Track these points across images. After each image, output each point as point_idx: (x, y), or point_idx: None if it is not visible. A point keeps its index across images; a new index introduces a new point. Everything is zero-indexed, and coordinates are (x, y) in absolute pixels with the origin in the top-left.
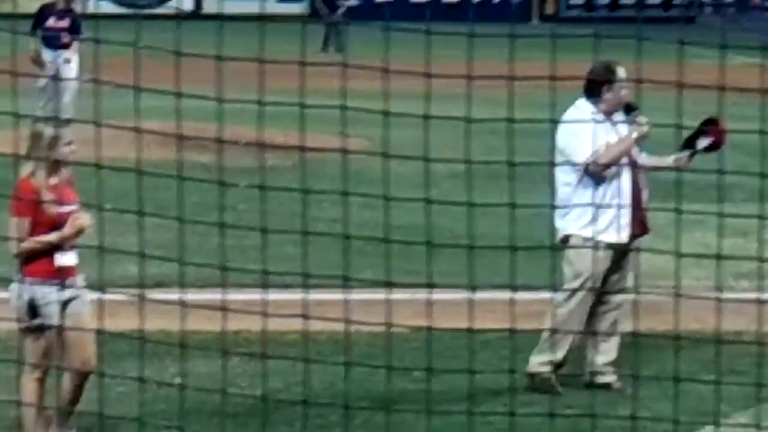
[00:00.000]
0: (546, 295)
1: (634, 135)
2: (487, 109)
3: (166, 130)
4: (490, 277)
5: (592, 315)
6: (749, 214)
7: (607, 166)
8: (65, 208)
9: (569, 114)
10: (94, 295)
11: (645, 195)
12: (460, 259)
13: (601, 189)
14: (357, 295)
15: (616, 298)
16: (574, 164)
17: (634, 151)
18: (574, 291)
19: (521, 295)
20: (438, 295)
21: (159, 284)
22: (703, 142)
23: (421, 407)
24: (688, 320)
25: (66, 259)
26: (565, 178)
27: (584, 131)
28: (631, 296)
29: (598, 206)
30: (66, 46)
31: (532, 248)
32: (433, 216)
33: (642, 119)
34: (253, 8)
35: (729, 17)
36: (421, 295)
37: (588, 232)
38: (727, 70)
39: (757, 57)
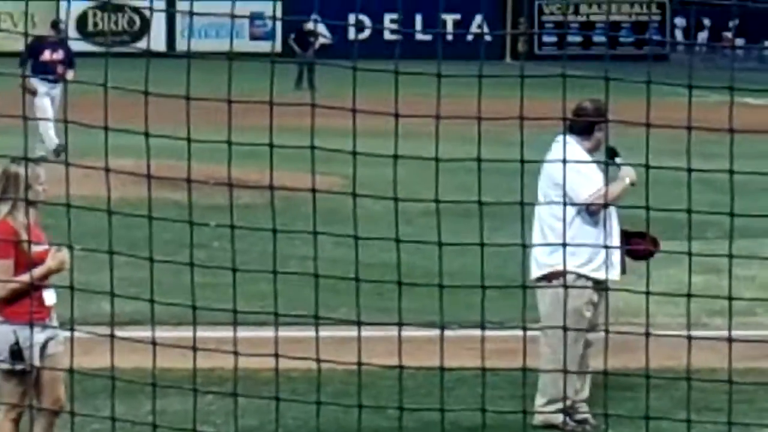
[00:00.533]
0: (519, 332)
1: (627, 180)
2: (462, 147)
3: (140, 167)
4: (465, 314)
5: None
6: (721, 252)
7: (606, 205)
8: (40, 248)
9: (564, 150)
10: (67, 333)
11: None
12: (435, 297)
13: (599, 227)
14: (330, 332)
15: (590, 336)
16: (572, 201)
17: None
18: (564, 329)
19: (496, 333)
20: (412, 332)
21: (133, 322)
22: (634, 249)
23: None
24: (661, 358)
25: (48, 297)
26: (557, 214)
27: (588, 168)
28: (601, 334)
29: (593, 244)
30: (60, 79)
31: (502, 287)
32: (407, 254)
33: (629, 169)
34: (226, 46)
35: (702, 55)
36: (395, 332)
37: (585, 270)
38: (702, 107)
39: (735, 95)
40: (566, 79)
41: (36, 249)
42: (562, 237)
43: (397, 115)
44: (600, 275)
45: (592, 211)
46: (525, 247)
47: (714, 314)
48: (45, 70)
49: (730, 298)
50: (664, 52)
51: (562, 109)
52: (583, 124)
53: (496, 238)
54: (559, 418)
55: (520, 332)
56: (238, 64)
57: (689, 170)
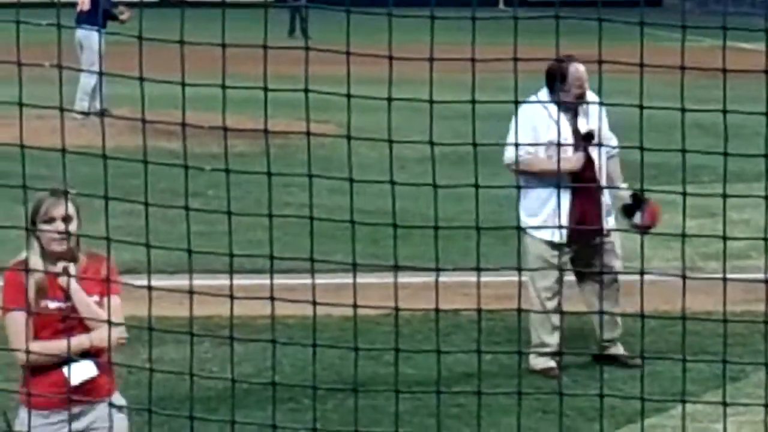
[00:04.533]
0: (515, 278)
1: (567, 166)
2: (457, 94)
3: (136, 117)
4: (461, 259)
5: (590, 293)
6: (716, 194)
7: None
8: (53, 305)
9: (525, 107)
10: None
11: (607, 200)
12: (431, 244)
13: (540, 188)
14: (326, 279)
15: (608, 277)
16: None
17: (602, 157)
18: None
19: (492, 278)
20: (408, 278)
21: (129, 270)
22: (637, 217)
23: (391, 389)
24: (657, 302)
25: (75, 373)
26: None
27: (523, 123)
28: (615, 277)
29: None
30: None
31: (493, 229)
32: (403, 200)
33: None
34: None
35: (696, 0)
36: (391, 278)
37: (532, 223)
38: (696, 52)
39: (729, 39)
40: (560, 23)
41: (49, 304)
42: (519, 194)
43: (390, 58)
44: (544, 235)
45: (512, 170)
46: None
47: (708, 258)
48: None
49: (725, 238)
50: None
51: (556, 53)
52: (547, 80)
53: (492, 184)
54: (539, 364)
55: (516, 277)
56: (232, 11)
57: (683, 110)
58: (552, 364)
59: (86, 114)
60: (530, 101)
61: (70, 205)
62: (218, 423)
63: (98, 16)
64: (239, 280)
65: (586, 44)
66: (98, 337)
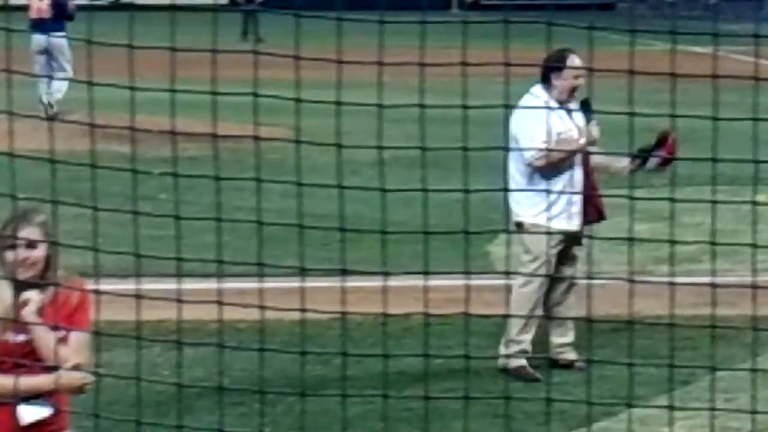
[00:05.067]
0: (462, 282)
1: (582, 141)
2: (409, 98)
3: (87, 120)
4: (411, 264)
5: (549, 299)
6: (664, 198)
7: (552, 165)
8: (18, 338)
9: (525, 101)
10: None
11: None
12: (386, 247)
13: (553, 178)
14: (277, 283)
15: (567, 284)
16: (521, 152)
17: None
18: (530, 275)
19: (442, 282)
20: (359, 282)
21: (81, 275)
22: (653, 160)
23: (340, 393)
24: (607, 306)
25: (26, 413)
26: (519, 166)
27: (536, 120)
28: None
29: (548, 192)
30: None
31: (443, 233)
32: (355, 205)
33: (594, 125)
34: None
35: (648, 4)
36: (344, 282)
37: (541, 220)
38: (648, 56)
39: (682, 43)
40: (510, 27)
41: (11, 337)
42: (516, 185)
43: (340, 62)
44: (557, 225)
45: (535, 169)
46: (468, 193)
47: (660, 262)
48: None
49: (672, 242)
50: (610, 1)
51: (504, 56)
52: (544, 74)
53: (444, 187)
54: (513, 363)
55: (467, 281)
56: (184, 15)
57: (631, 114)
58: (524, 362)
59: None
60: (527, 105)
61: (36, 229)
62: (166, 428)
63: (63, 22)
64: (190, 285)
65: (538, 48)
66: (63, 381)
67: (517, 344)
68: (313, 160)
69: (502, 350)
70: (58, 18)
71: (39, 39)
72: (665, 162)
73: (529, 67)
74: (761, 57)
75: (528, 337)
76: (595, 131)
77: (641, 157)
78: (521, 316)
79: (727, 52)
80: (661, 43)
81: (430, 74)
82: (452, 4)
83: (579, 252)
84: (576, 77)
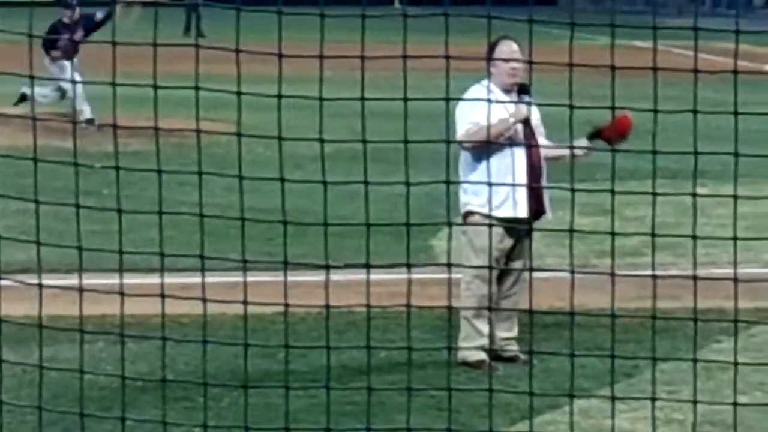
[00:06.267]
0: (404, 276)
1: (511, 120)
2: (351, 92)
3: (28, 115)
4: (355, 258)
5: (498, 291)
6: (605, 190)
7: (486, 143)
8: None
9: (470, 90)
10: None
11: (544, 176)
12: (329, 241)
13: (493, 165)
14: (220, 278)
15: (515, 277)
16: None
17: (537, 132)
18: (476, 268)
19: (385, 276)
20: (302, 277)
21: (23, 270)
22: (605, 135)
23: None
24: (552, 299)
25: None
26: (464, 155)
27: (469, 108)
28: (526, 275)
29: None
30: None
31: (386, 225)
32: (299, 199)
33: (523, 102)
34: None
35: None
36: (292, 276)
37: (485, 209)
38: (590, 50)
39: (623, 38)
40: (454, 23)
41: None
42: (463, 178)
43: (280, 56)
44: (502, 213)
45: (465, 148)
46: (409, 186)
47: (603, 255)
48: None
49: (613, 234)
50: None
51: (445, 51)
52: (487, 65)
53: (386, 181)
54: (472, 356)
55: (412, 275)
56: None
57: (570, 107)
58: (484, 356)
59: (91, 121)
60: (470, 93)
61: None
62: (111, 421)
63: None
64: (134, 279)
65: (478, 42)
66: None
67: (474, 339)
68: (256, 154)
69: (462, 345)
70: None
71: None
72: (614, 135)
73: (472, 61)
74: (701, 51)
75: (485, 329)
76: (524, 109)
77: (593, 136)
78: (471, 308)
79: (669, 47)
80: (603, 38)
81: (372, 69)
82: None
83: (527, 243)
84: (508, 61)
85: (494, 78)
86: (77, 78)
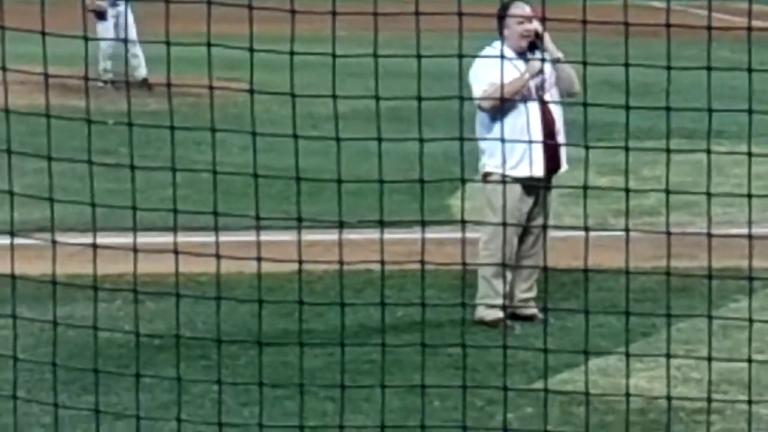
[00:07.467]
0: (428, 235)
1: (526, 75)
2: (368, 50)
3: (41, 72)
4: (372, 216)
5: (519, 250)
6: (619, 147)
7: (502, 101)
8: None
9: (483, 51)
10: None
11: (560, 131)
12: (344, 200)
13: (508, 125)
14: (236, 237)
15: (535, 236)
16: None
17: (548, 87)
18: (496, 226)
19: (403, 235)
20: (318, 236)
21: (41, 228)
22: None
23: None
24: (568, 257)
25: None
26: (480, 115)
27: (484, 69)
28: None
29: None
30: None
31: (401, 182)
32: (316, 158)
33: (536, 57)
34: None
35: None
36: (310, 235)
37: (501, 169)
38: (607, 10)
39: None
40: None
41: None
42: (480, 138)
43: (293, 12)
44: (519, 173)
45: (483, 109)
46: (422, 142)
47: (620, 214)
48: None
49: (627, 190)
50: None
51: (458, 6)
52: (499, 27)
53: (404, 141)
54: (489, 315)
55: (428, 234)
56: None
57: (584, 63)
58: (501, 315)
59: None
60: (484, 54)
61: None
62: (129, 378)
63: None
64: (150, 238)
65: (492, 2)
66: None
67: (492, 298)
68: (272, 113)
69: (479, 303)
70: None
71: None
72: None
73: (486, 18)
74: (717, 11)
75: (502, 289)
76: (537, 63)
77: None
78: (490, 264)
79: (686, 6)
80: None
81: (387, 28)
82: None
83: (548, 201)
84: (520, 23)
85: (507, 41)
86: (130, 20)
